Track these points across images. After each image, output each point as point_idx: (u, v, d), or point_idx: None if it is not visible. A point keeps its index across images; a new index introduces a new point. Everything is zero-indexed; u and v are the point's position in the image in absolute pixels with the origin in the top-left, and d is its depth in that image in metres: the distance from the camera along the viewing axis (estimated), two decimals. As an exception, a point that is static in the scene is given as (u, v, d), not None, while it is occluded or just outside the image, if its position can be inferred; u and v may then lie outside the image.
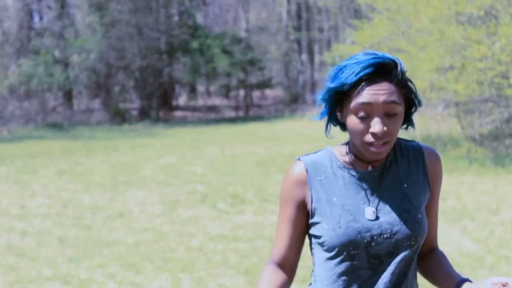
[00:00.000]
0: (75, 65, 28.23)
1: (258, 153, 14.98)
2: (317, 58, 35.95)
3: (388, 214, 1.89)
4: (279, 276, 1.97)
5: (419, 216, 1.90)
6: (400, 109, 1.83)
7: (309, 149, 15.43)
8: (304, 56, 36.11)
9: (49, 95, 29.14)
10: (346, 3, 31.16)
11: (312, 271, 2.01)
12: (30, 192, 10.16)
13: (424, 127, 14.32)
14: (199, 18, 36.26)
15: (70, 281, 5.66)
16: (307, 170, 1.94)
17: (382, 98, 1.80)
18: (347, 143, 1.96)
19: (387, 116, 1.82)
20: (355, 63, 1.82)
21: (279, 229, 1.99)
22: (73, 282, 5.63)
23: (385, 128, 1.80)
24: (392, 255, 1.89)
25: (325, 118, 1.96)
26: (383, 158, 1.93)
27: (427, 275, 2.02)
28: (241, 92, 34.73)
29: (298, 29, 35.55)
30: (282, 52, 35.92)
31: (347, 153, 1.94)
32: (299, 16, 35.98)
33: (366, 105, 1.80)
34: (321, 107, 1.96)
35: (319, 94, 1.92)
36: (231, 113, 32.53)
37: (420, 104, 1.92)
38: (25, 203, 9.30)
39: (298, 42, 35.84)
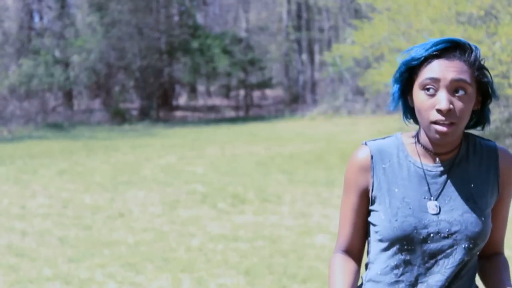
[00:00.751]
0: (75, 65, 28.22)
1: (258, 153, 14.97)
2: (317, 58, 35.94)
3: (449, 213, 1.81)
4: (351, 263, 1.93)
5: (483, 219, 1.82)
6: (471, 90, 1.76)
7: (309, 149, 15.43)
8: (304, 56, 36.11)
9: (49, 95, 29.13)
10: (346, 3, 31.16)
11: (368, 259, 1.96)
12: (30, 192, 10.16)
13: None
14: (199, 18, 36.26)
15: (71, 281, 5.66)
16: (372, 156, 1.87)
17: (451, 75, 1.74)
18: (417, 133, 1.89)
19: (455, 95, 1.75)
20: (427, 42, 1.78)
21: (343, 216, 1.94)
22: (74, 282, 5.63)
23: (451, 106, 1.73)
24: (448, 256, 1.81)
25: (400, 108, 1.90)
26: (453, 153, 1.85)
27: (482, 279, 1.94)
28: (241, 92, 34.72)
29: (298, 29, 35.54)
30: (282, 52, 35.92)
31: (415, 143, 1.87)
32: (299, 16, 35.98)
33: (433, 80, 1.75)
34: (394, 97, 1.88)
35: (392, 78, 1.86)
36: (231, 113, 32.53)
37: (496, 96, 1.83)
38: (25, 203, 9.30)
39: (298, 42, 35.84)
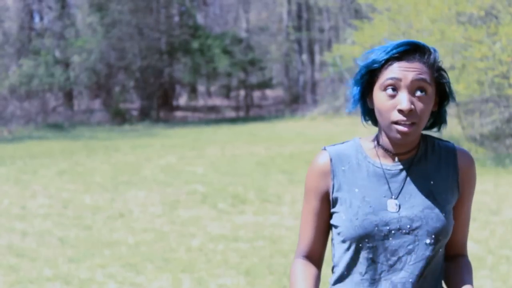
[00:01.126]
0: (75, 65, 28.23)
1: (258, 153, 14.97)
2: (317, 58, 35.94)
3: (410, 209, 1.84)
4: (312, 268, 1.95)
5: (443, 214, 1.85)
6: (430, 90, 1.80)
7: (309, 150, 15.43)
8: (305, 56, 36.11)
9: (49, 96, 29.12)
10: (347, 3, 31.16)
11: (333, 263, 1.98)
12: (30, 193, 10.16)
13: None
14: (200, 18, 36.26)
15: (71, 281, 5.66)
16: (331, 160, 1.91)
17: (411, 75, 1.77)
18: (376, 135, 1.92)
19: (416, 95, 1.78)
20: (388, 45, 1.82)
21: (304, 221, 1.96)
22: (74, 283, 5.63)
23: (412, 106, 1.76)
24: (410, 252, 1.83)
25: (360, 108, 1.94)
26: (411, 153, 1.88)
27: (445, 281, 1.95)
28: (242, 92, 34.72)
29: (298, 29, 35.54)
30: (283, 52, 35.92)
31: (374, 145, 1.91)
32: (299, 17, 35.98)
33: (394, 80, 1.78)
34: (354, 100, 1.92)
35: (352, 80, 1.89)
36: (231, 113, 32.53)
37: (453, 97, 1.87)
38: (25, 203, 9.30)
39: (299, 42, 35.84)
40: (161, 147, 16.87)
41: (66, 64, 28.82)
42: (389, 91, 1.79)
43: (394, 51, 1.79)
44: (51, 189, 10.45)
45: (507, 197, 8.89)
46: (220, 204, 9.01)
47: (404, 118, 1.77)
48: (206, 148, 16.39)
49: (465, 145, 12.92)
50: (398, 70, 1.78)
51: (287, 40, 35.79)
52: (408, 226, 1.83)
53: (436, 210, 1.84)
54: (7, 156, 15.03)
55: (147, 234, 7.40)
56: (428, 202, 1.85)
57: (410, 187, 1.86)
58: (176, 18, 33.47)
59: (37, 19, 32.42)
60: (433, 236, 1.83)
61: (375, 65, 1.81)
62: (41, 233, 7.50)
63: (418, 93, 1.78)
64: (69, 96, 30.19)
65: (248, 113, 32.83)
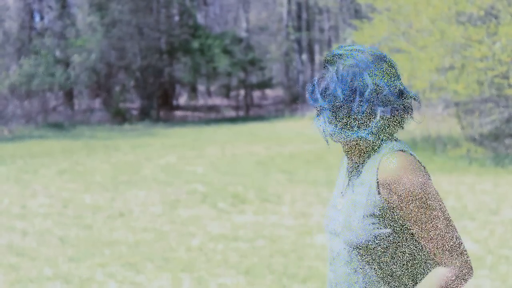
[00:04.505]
0: (75, 65, 28.24)
1: (258, 153, 14.98)
2: (317, 58, 35.94)
3: (341, 214, 1.88)
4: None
5: (358, 226, 1.79)
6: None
7: (309, 149, 15.44)
8: (305, 56, 36.11)
9: (50, 95, 29.14)
10: (347, 3, 31.17)
11: None
12: (31, 192, 10.17)
13: (424, 127, 14.33)
14: (200, 18, 36.27)
15: (71, 281, 5.67)
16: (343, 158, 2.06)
17: None
18: None
19: None
20: None
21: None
22: (74, 282, 5.64)
23: None
24: (339, 256, 1.86)
25: None
26: (354, 156, 1.87)
27: None
28: (242, 92, 34.74)
29: (298, 29, 35.55)
30: (283, 52, 35.92)
31: None
32: (299, 16, 35.99)
33: None
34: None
35: None
36: (231, 113, 32.53)
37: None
38: (26, 202, 9.31)
39: (299, 42, 35.84)
40: (161, 147, 16.87)
41: (66, 64, 28.83)
42: None
43: None
44: (52, 188, 10.47)
45: (507, 197, 8.90)
46: (220, 203, 9.02)
47: None
48: (206, 148, 16.39)
49: (465, 145, 12.93)
50: None
51: (287, 40, 35.80)
52: (338, 230, 1.87)
53: (351, 220, 1.81)
54: (8, 156, 15.04)
55: (147, 233, 7.41)
56: (349, 211, 1.83)
57: (349, 191, 1.89)
58: (176, 18, 33.48)
59: (37, 18, 32.45)
60: (347, 244, 1.82)
61: None
62: (41, 232, 7.51)
63: None
64: (69, 96, 30.21)
65: (248, 112, 32.83)
